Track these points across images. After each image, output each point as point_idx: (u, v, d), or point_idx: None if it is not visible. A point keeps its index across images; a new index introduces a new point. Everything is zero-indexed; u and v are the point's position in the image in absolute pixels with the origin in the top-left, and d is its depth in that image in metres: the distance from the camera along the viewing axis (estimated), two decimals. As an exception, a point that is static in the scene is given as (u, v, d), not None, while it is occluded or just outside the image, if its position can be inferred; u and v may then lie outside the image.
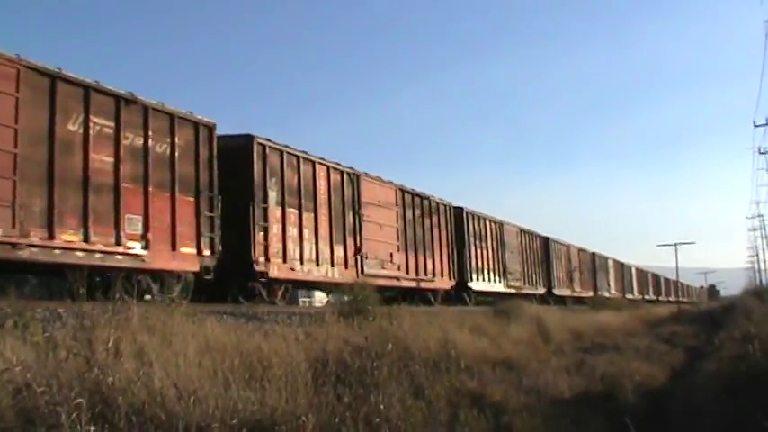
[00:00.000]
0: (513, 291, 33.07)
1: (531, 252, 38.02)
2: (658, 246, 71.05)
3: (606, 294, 51.39)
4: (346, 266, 20.03)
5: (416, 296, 24.65)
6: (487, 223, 32.26)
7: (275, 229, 17.34)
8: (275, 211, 17.42)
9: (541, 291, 38.61)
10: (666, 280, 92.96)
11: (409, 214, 24.41)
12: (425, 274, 25.09)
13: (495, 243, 32.70)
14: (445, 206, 28.10)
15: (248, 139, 17.05)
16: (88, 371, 6.35)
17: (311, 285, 20.65)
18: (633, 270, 69.30)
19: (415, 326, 13.29)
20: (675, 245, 66.73)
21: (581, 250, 48.99)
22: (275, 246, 17.23)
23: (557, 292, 41.12)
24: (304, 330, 11.11)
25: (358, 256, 20.72)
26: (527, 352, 15.48)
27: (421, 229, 25.15)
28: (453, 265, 27.89)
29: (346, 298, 15.30)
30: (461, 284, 28.55)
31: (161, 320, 8.69)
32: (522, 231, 37.12)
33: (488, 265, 31.57)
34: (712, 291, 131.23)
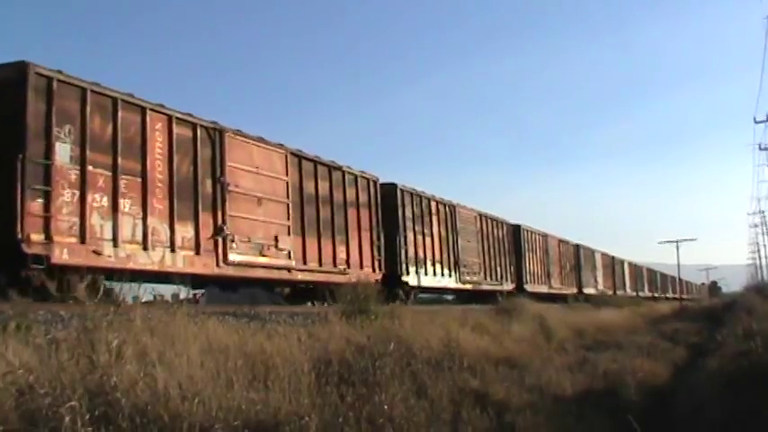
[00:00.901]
0: (468, 287, 28.86)
1: (495, 242, 32.56)
2: (659, 243, 71.19)
3: (592, 291, 47.95)
4: (198, 252, 14.91)
5: (325, 292, 17.30)
6: (433, 204, 26.70)
7: (67, 195, 12.57)
8: (67, 171, 12.64)
9: (508, 287, 32.70)
10: (664, 276, 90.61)
11: (310, 187, 19.09)
12: (335, 265, 19.73)
13: (443, 229, 27.20)
14: (368, 180, 22.34)
15: (21, 67, 12.25)
16: (91, 372, 6.35)
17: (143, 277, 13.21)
18: (626, 265, 65.55)
19: (417, 325, 13.30)
20: (677, 242, 66.77)
21: (562, 241, 44.12)
22: (65, 219, 12.48)
23: (529, 288, 35.41)
24: (306, 330, 11.11)
25: (219, 239, 15.48)
26: (529, 350, 15.49)
27: (329, 207, 19.79)
28: (379, 253, 22.23)
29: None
30: (393, 278, 22.78)
31: (163, 321, 8.69)
32: (484, 217, 31.73)
33: (433, 255, 25.91)
34: (713, 287, 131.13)
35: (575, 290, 44.60)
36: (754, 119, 44.29)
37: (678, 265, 64.61)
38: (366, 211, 21.96)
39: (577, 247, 47.89)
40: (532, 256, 38.00)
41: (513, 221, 36.04)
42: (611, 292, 52.51)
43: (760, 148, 49.79)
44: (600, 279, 52.71)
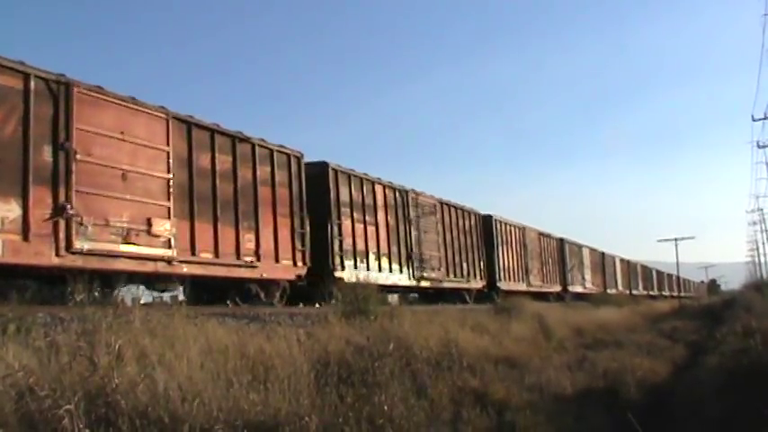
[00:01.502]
0: (425, 284, 24.93)
1: (460, 234, 28.75)
2: (658, 241, 71.12)
3: (579, 289, 44.99)
4: (26, 238, 11.42)
5: (232, 291, 16.18)
6: (379, 189, 22.72)
7: None
8: None
9: (477, 284, 29.79)
10: (660, 273, 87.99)
11: (204, 161, 15.39)
12: (239, 257, 15.81)
13: (393, 218, 23.30)
14: (288, 156, 18.34)
15: None
16: (91, 375, 6.36)
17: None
18: (617, 261, 61.49)
19: (417, 325, 13.31)
20: (675, 240, 66.77)
21: (543, 235, 40.27)
22: None
23: (503, 286, 32.08)
24: (306, 331, 11.12)
25: (60, 221, 12.02)
26: (529, 349, 15.50)
27: (231, 186, 15.99)
28: (302, 244, 18.16)
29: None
30: (325, 274, 18.98)
31: (162, 323, 8.70)
32: (446, 205, 27.95)
33: (378, 247, 21.91)
34: (712, 285, 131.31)
35: (558, 288, 41.65)
36: (753, 116, 44.38)
37: (677, 263, 64.66)
38: (285, 193, 17.86)
39: (561, 241, 43.95)
40: (507, 250, 33.86)
41: (485, 212, 32.22)
42: (600, 291, 49.12)
43: (758, 146, 49.86)
44: (588, 276, 48.77)
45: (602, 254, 54.60)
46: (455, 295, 27.51)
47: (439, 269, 25.96)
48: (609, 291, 50.73)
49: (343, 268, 19.65)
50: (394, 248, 22.97)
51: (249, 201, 16.41)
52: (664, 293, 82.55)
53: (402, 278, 23.15)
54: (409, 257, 23.75)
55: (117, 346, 7.10)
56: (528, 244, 36.93)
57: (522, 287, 34.34)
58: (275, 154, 17.68)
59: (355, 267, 20.18)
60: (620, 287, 58.20)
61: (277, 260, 17.09)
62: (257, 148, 17.00)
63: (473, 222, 30.36)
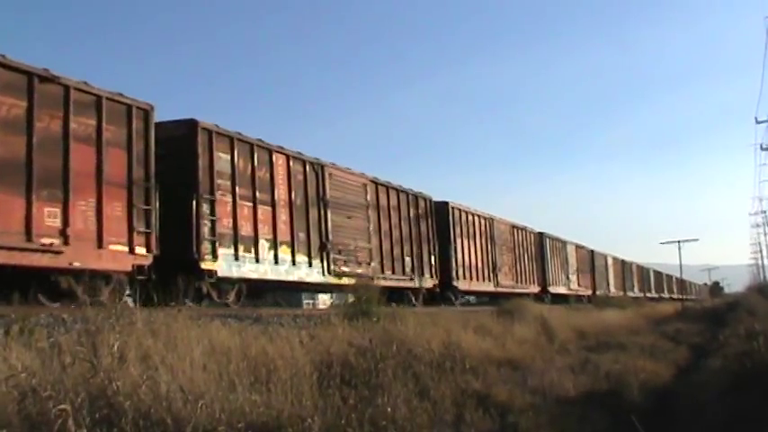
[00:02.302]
0: (345, 281, 19.12)
1: (403, 222, 23.71)
2: (661, 243, 70.61)
3: (562, 290, 41.08)
4: None
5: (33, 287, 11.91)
6: (278, 159, 17.87)
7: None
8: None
9: (427, 283, 24.97)
10: (659, 274, 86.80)
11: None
12: (30, 238, 11.40)
13: (299, 197, 18.43)
14: (129, 107, 13.61)
15: None
16: (93, 376, 6.36)
17: None
18: (609, 260, 56.67)
19: (419, 327, 13.30)
20: (678, 242, 66.41)
21: (516, 228, 34.97)
22: None
23: (461, 285, 27.74)
24: (308, 333, 11.12)
25: None
26: (531, 351, 15.48)
27: (21, 138, 11.57)
28: (146, 224, 13.65)
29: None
30: (190, 266, 14.70)
31: (165, 324, 8.70)
32: (380, 185, 22.78)
33: (274, 233, 17.11)
34: (715, 288, 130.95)
35: (536, 288, 36.39)
36: (756, 119, 44.15)
37: (680, 266, 64.42)
38: (119, 156, 13.31)
39: (541, 236, 38.96)
40: (469, 244, 28.84)
41: (439, 198, 27.14)
42: (588, 292, 45.46)
43: (761, 149, 49.61)
44: (573, 276, 43.39)
45: (592, 252, 50.10)
46: (396, 296, 21.47)
47: (369, 263, 21.09)
48: (599, 292, 47.39)
49: (215, 258, 15.23)
50: (301, 236, 18.19)
51: (52, 161, 12.03)
52: (664, 295, 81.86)
53: (312, 273, 18.54)
54: (323, 248, 19.15)
55: (119, 348, 7.11)
56: (497, 237, 31.85)
57: (488, 287, 30.45)
58: (105, 102, 13.10)
59: (236, 258, 15.83)
60: (613, 288, 53.77)
61: (102, 245, 12.69)
62: (73, 92, 12.52)
63: (422, 210, 25.43)
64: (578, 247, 46.98)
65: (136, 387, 6.33)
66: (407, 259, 23.42)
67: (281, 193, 17.64)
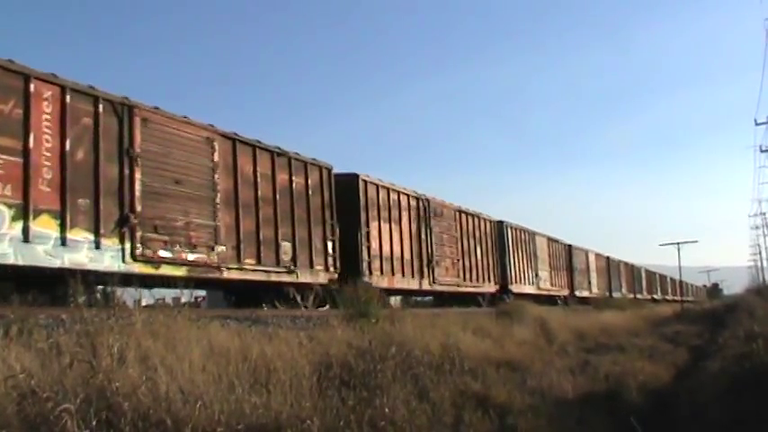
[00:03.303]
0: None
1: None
2: (660, 245, 70.49)
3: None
4: None
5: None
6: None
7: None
8: None
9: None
10: (663, 277, 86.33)
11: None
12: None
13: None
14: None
15: None
16: (93, 377, 6.36)
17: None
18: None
19: (418, 328, 13.31)
20: (678, 244, 66.30)
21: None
22: None
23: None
24: (307, 334, 11.13)
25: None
26: (531, 353, 15.49)
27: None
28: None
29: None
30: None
31: (164, 325, 8.70)
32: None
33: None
34: (714, 289, 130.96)
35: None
36: (755, 121, 44.27)
37: (680, 267, 64.38)
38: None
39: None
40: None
41: (348, 171, 21.77)
42: (564, 293, 40.61)
43: (761, 150, 49.73)
44: (544, 274, 39.59)
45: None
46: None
47: (212, 247, 16.29)
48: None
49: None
50: (82, 203, 14.29)
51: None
52: (666, 297, 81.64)
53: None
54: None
55: (118, 349, 7.11)
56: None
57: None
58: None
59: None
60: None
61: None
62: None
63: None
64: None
65: (135, 388, 6.33)
66: (285, 245, 17.29)
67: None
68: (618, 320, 29.64)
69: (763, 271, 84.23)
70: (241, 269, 15.61)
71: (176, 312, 9.75)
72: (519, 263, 33.69)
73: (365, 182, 21.21)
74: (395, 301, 24.18)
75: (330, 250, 19.06)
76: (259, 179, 16.62)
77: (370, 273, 20.63)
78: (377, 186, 21.86)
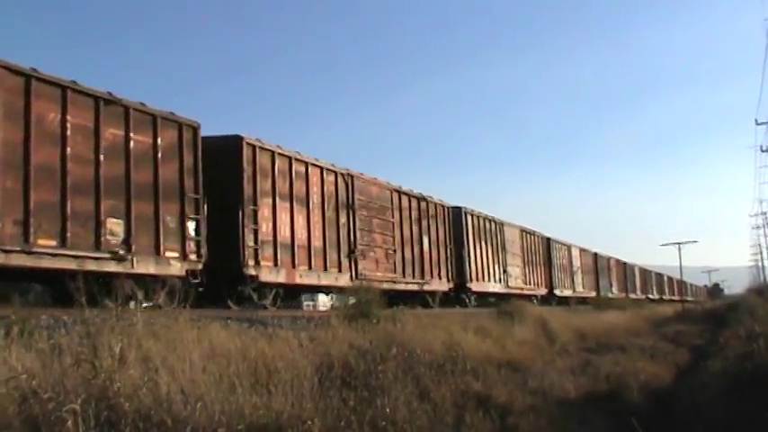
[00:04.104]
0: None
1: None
2: (661, 245, 70.32)
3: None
4: None
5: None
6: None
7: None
8: None
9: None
10: (660, 276, 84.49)
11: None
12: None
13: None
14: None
15: None
16: (94, 377, 6.35)
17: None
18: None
19: (419, 329, 13.31)
20: (678, 244, 66.18)
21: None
22: None
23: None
24: (308, 334, 11.12)
25: None
26: (532, 353, 15.50)
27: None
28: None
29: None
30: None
31: (165, 326, 8.70)
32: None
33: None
34: (715, 289, 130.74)
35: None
36: (756, 120, 44.18)
37: (680, 267, 64.35)
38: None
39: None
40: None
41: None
42: (542, 291, 36.16)
43: (761, 150, 49.62)
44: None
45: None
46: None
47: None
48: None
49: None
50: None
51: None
52: (665, 297, 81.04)
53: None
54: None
55: (119, 349, 7.10)
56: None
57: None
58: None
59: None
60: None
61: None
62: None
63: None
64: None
65: (136, 388, 6.33)
66: (112, 223, 12.69)
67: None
68: (619, 320, 29.63)
69: (764, 271, 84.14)
70: (30, 253, 11.29)
71: (177, 313, 9.74)
72: (482, 257, 28.79)
73: (253, 147, 16.26)
74: (325, 300, 22.01)
75: (191, 232, 14.51)
76: (70, 132, 12.19)
77: (257, 263, 15.85)
78: (272, 154, 16.94)
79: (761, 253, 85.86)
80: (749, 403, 8.82)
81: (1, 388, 5.86)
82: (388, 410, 7.67)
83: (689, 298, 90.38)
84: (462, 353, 12.28)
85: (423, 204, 24.44)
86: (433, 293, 24.64)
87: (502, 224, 31.52)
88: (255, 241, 15.91)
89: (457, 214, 27.33)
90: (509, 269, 31.44)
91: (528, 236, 35.23)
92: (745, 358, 12.36)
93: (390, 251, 21.94)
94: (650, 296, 68.78)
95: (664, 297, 79.15)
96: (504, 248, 31.17)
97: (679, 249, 63.75)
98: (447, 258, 25.72)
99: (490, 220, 30.21)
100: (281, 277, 16.69)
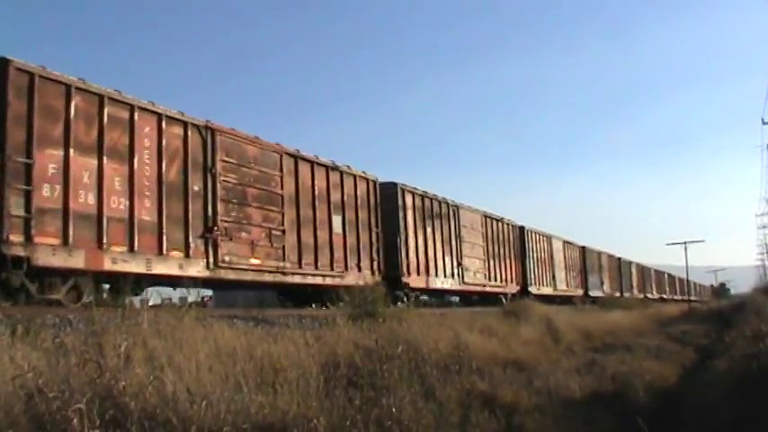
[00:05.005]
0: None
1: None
2: (667, 244, 70.14)
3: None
4: None
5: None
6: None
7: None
8: None
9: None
10: (671, 277, 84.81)
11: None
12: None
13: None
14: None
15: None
16: (100, 376, 6.36)
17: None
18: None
19: (425, 328, 13.29)
20: (685, 243, 66.02)
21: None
22: None
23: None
24: (314, 334, 11.11)
25: None
26: (537, 352, 15.46)
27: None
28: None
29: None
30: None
31: (171, 325, 8.71)
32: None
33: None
34: (721, 289, 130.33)
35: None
36: (762, 120, 44.08)
37: (687, 267, 64.25)
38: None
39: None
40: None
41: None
42: (513, 290, 30.41)
43: (768, 149, 49.49)
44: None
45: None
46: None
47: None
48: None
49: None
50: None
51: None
52: (675, 297, 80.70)
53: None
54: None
55: (125, 348, 7.12)
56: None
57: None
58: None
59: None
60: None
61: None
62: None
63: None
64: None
65: (142, 387, 6.34)
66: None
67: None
68: (624, 320, 29.56)
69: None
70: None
71: (182, 312, 9.76)
72: (424, 246, 23.80)
73: (30, 75, 11.92)
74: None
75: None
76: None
77: (28, 239, 11.47)
78: (67, 88, 12.54)
79: (767, 252, 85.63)
80: (755, 403, 8.80)
81: (7, 386, 5.87)
82: (393, 410, 7.67)
83: (693, 297, 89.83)
84: (468, 352, 12.27)
85: (335, 176, 19.38)
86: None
87: (457, 207, 26.24)
88: (27, 208, 11.57)
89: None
90: (465, 261, 26.32)
91: (494, 223, 30.18)
92: (750, 358, 12.33)
93: (277, 233, 17.03)
94: (649, 296, 64.54)
95: (664, 297, 76.85)
96: (458, 237, 26.06)
97: (685, 249, 63.67)
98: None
99: (440, 202, 25.01)
100: (76, 261, 12.21)
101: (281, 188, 17.33)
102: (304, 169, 18.26)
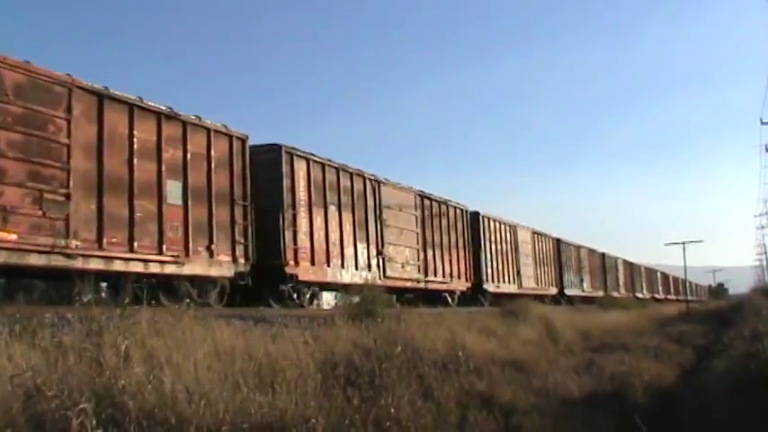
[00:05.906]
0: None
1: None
2: (666, 244, 70.05)
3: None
4: None
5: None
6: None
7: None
8: None
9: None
10: (666, 276, 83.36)
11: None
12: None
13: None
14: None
15: None
16: (98, 375, 6.36)
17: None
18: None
19: (424, 328, 13.28)
20: (683, 243, 65.99)
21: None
22: None
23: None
24: (312, 333, 11.11)
25: None
26: (536, 352, 15.46)
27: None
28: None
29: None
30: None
31: (169, 324, 8.70)
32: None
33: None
34: (719, 289, 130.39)
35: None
36: (761, 120, 44.09)
37: (685, 267, 64.21)
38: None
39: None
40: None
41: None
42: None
43: (767, 150, 49.53)
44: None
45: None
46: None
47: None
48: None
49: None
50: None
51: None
52: (669, 297, 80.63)
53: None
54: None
55: (124, 347, 7.11)
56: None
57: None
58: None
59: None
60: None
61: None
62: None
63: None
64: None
65: (141, 387, 6.34)
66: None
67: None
68: (623, 320, 29.56)
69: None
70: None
71: (181, 311, 9.75)
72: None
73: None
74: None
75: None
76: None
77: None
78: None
79: (765, 253, 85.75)
80: (753, 403, 8.82)
81: (5, 385, 5.87)
82: (392, 409, 7.67)
83: (691, 297, 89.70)
84: (466, 352, 12.26)
85: (172, 127, 14.42)
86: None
87: (378, 183, 22.64)
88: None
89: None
90: (389, 251, 22.90)
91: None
92: (749, 358, 12.35)
93: (54, 197, 12.07)
94: (656, 296, 67.90)
95: (669, 297, 78.34)
96: (379, 219, 22.41)
97: (683, 249, 63.60)
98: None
99: (352, 174, 20.99)
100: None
101: (68, 136, 12.13)
102: (114, 114, 13.04)
